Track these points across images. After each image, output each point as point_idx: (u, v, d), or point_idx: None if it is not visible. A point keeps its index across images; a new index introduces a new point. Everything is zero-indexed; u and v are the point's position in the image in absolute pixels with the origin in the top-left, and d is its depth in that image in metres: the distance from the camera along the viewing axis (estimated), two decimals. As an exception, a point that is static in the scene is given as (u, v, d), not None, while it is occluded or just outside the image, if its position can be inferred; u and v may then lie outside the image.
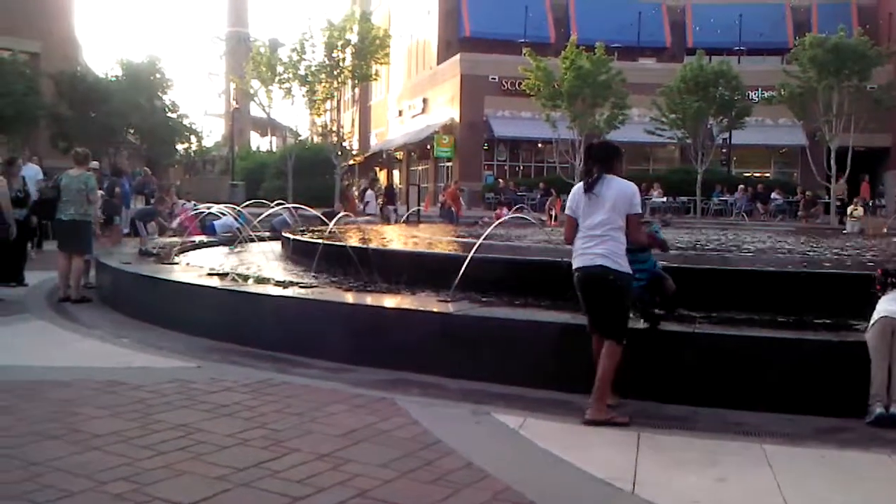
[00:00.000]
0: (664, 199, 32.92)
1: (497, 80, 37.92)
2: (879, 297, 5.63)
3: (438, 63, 42.26)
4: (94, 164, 14.06)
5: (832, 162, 28.74)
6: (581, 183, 5.44)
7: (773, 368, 5.50)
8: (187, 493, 3.56)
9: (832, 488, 3.96)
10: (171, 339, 7.73)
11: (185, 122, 39.26)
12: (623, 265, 5.17)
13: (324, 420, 4.81)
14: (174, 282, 8.88)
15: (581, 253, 5.26)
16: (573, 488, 3.87)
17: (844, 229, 20.20)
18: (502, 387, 5.94)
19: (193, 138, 43.07)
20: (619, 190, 5.22)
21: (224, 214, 14.97)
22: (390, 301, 7.58)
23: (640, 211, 5.41)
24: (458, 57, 38.82)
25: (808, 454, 4.49)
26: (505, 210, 22.57)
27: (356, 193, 27.71)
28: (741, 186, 32.61)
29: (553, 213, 22.25)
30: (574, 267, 5.31)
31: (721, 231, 17.27)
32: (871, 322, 5.38)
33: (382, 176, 46.54)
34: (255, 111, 52.73)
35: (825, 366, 5.46)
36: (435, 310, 6.90)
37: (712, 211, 31.89)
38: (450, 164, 39.69)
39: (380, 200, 26.64)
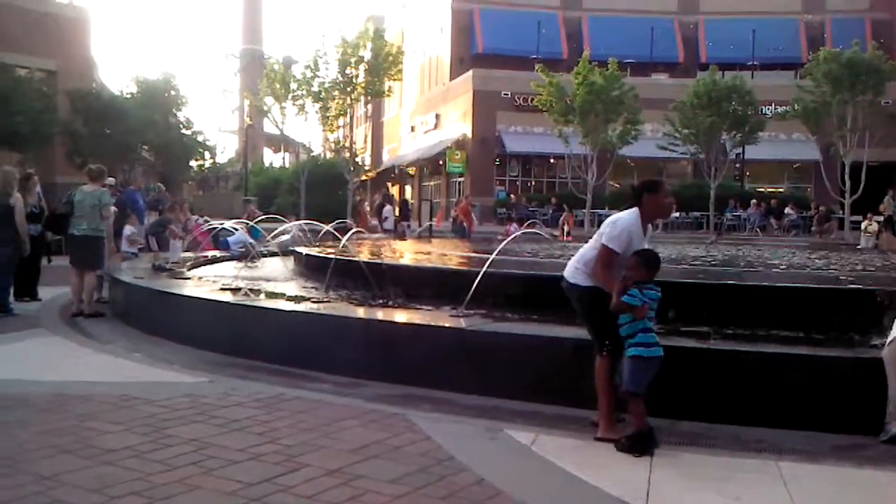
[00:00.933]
0: (677, 214, 32.79)
1: (509, 95, 38.04)
2: None
3: (451, 79, 42.45)
4: (111, 180, 14.15)
5: (846, 177, 28.60)
6: None
7: (788, 385, 5.45)
8: (198, 509, 3.55)
9: (849, 506, 3.91)
10: (183, 354, 7.75)
11: (200, 138, 39.56)
12: (578, 277, 5.18)
13: (335, 435, 4.80)
14: (186, 297, 8.91)
15: None
16: (586, 505, 3.83)
17: (858, 245, 20.06)
18: (515, 403, 5.91)
19: (207, 154, 43.36)
20: (608, 220, 5.23)
21: (237, 230, 15.03)
22: (402, 316, 7.57)
23: (613, 246, 5.01)
24: (470, 73, 38.98)
25: (824, 472, 4.43)
26: (514, 226, 22.54)
27: (368, 209, 27.74)
28: (754, 201, 32.48)
29: (566, 229, 22.21)
30: None
31: (735, 248, 17.17)
32: (889, 340, 5.32)
33: (395, 191, 46.68)
34: (268, 127, 53.00)
35: (841, 382, 5.40)
36: (447, 325, 6.88)
37: (725, 226, 31.75)
38: (462, 179, 39.76)
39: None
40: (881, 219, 25.20)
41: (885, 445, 5.02)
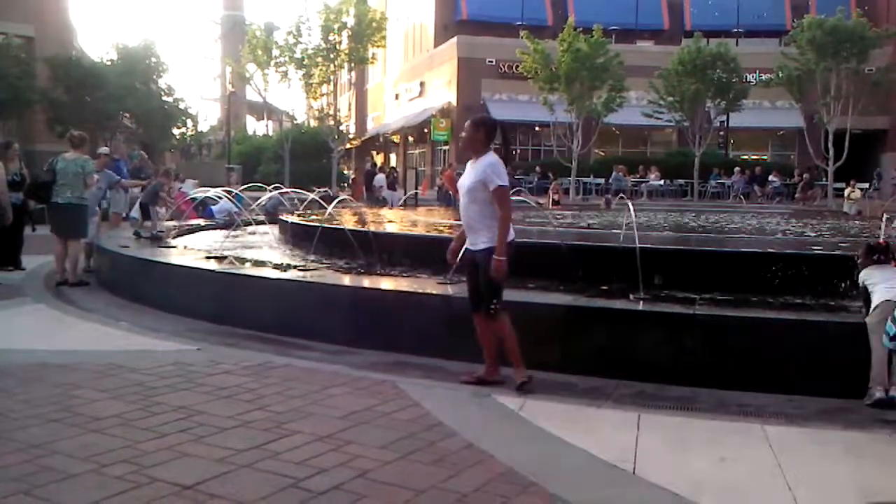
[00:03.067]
0: (661, 182, 32.88)
1: (494, 63, 37.76)
2: (859, 270, 5.69)
3: (435, 46, 42.06)
4: (105, 149, 13.93)
5: (830, 144, 28.71)
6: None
7: (773, 350, 5.50)
8: (188, 475, 3.55)
9: (833, 467, 3.96)
10: (169, 322, 7.73)
11: (181, 106, 39.12)
12: (482, 241, 5.43)
13: (325, 402, 4.80)
14: (172, 265, 8.86)
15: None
16: (574, 469, 3.87)
17: (842, 211, 20.20)
18: (503, 369, 5.94)
19: (189, 122, 42.91)
20: (481, 167, 5.42)
21: (221, 198, 14.92)
22: (389, 284, 7.56)
23: (505, 182, 5.37)
24: (455, 40, 38.63)
25: (809, 434, 4.48)
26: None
27: (353, 177, 27.67)
28: (738, 169, 32.59)
29: (556, 198, 22.16)
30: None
31: (719, 213, 17.24)
32: (873, 307, 5.37)
33: (379, 160, 46.45)
34: (250, 95, 52.51)
35: (825, 347, 5.46)
36: (434, 292, 6.89)
37: (710, 194, 31.87)
38: (447, 147, 39.57)
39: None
40: (865, 185, 25.39)
41: (870, 409, 5.09)
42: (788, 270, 6.98)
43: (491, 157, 5.39)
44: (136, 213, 11.92)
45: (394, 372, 5.78)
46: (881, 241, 6.39)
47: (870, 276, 5.64)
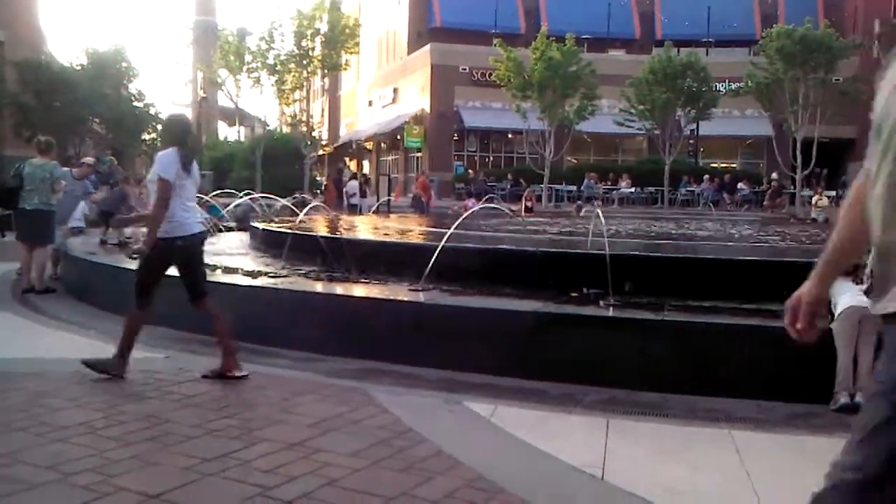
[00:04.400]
0: (632, 189, 33.16)
1: (468, 70, 37.87)
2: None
3: (409, 53, 42.11)
4: (89, 159, 13.69)
5: (797, 153, 29.11)
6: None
7: (741, 355, 5.56)
8: (154, 484, 3.51)
9: (800, 473, 4.00)
10: (138, 330, 7.62)
11: (152, 111, 38.73)
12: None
13: (294, 410, 4.77)
14: (141, 272, 8.75)
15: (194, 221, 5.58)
16: (543, 475, 3.87)
17: (810, 219, 20.47)
18: (474, 375, 5.95)
19: (160, 128, 42.48)
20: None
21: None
22: (361, 290, 7.54)
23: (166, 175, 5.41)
24: (428, 47, 38.71)
25: (776, 439, 4.54)
26: (472, 201, 22.57)
27: (325, 184, 27.57)
28: (707, 177, 32.95)
29: (529, 205, 22.22)
30: (189, 234, 5.50)
31: (688, 221, 17.41)
32: (838, 313, 5.45)
33: (352, 166, 46.35)
34: (222, 101, 52.16)
35: (791, 353, 5.51)
36: (406, 299, 6.88)
37: (680, 201, 32.17)
38: (420, 154, 39.61)
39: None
40: (832, 193, 25.77)
41: (835, 414, 5.16)
42: (756, 277, 7.07)
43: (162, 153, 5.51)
44: (79, 221, 11.66)
45: (364, 379, 5.76)
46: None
47: (834, 286, 5.70)
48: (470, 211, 13.24)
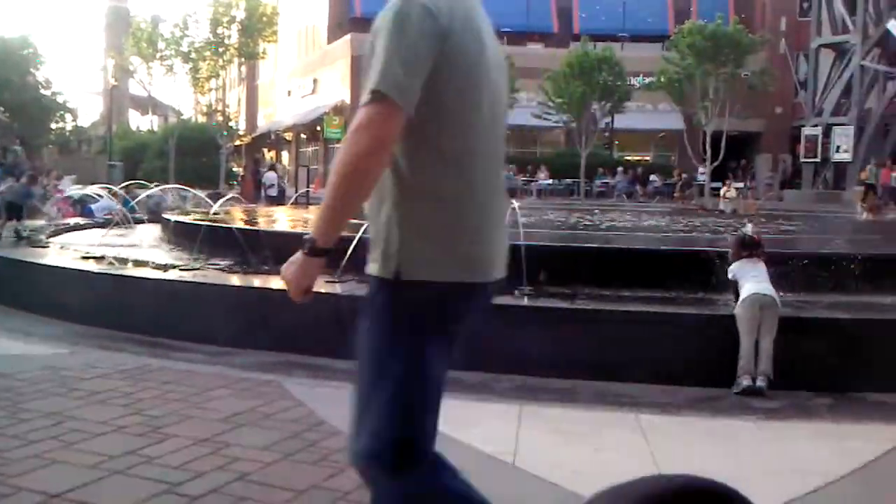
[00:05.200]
0: (550, 181, 33.67)
1: (388, 61, 37.67)
2: (730, 263, 6.01)
3: (329, 43, 41.63)
4: (17, 148, 13.13)
5: (707, 146, 30.06)
6: None
7: (648, 341, 5.73)
8: (57, 483, 3.40)
9: (702, 453, 4.17)
10: (44, 326, 7.37)
11: (60, 99, 37.37)
12: None
13: (205, 405, 4.69)
14: (46, 266, 8.46)
15: None
16: (455, 462, 3.91)
17: (717, 210, 21.17)
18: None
19: (69, 116, 41.03)
20: None
21: (101, 197, 14.34)
22: (275, 283, 7.45)
23: None
24: (348, 37, 38.33)
25: (680, 422, 4.71)
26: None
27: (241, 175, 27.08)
28: (621, 169, 33.73)
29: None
30: None
31: (603, 212, 17.80)
32: (741, 299, 5.67)
33: (271, 157, 45.66)
34: (134, 89, 50.60)
35: (696, 338, 5.73)
36: (322, 290, 6.83)
37: (596, 193, 32.83)
38: (340, 145, 39.26)
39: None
40: (739, 185, 26.71)
41: (738, 397, 5.38)
42: (665, 265, 7.29)
43: None
44: None
45: (278, 372, 5.71)
46: (754, 236, 6.74)
47: (739, 270, 5.95)
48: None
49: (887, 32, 29.52)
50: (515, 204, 9.02)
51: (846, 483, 3.82)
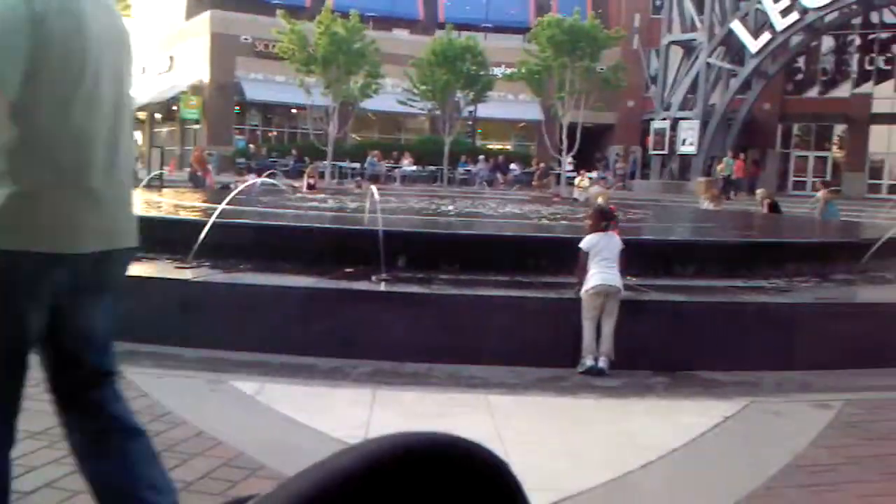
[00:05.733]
0: (414, 167, 33.88)
1: (250, 41, 36.70)
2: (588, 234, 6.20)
3: (187, 19, 40.07)
4: None
5: (564, 136, 31.10)
6: None
7: (498, 325, 5.90)
8: None
9: (545, 429, 4.35)
10: None
11: None
12: None
13: (40, 397, 4.44)
14: None
15: None
16: (306, 448, 3.91)
17: (572, 198, 21.96)
18: (244, 353, 5.85)
19: None
20: None
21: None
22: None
23: None
24: (208, 14, 37.04)
25: (526, 401, 4.89)
26: (252, 176, 22.00)
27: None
28: (482, 157, 34.40)
29: (311, 181, 21.97)
30: None
31: (462, 199, 18.08)
32: (588, 285, 5.89)
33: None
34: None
35: (542, 322, 5.95)
36: (172, 277, 6.62)
37: (458, 180, 33.32)
38: (198, 126, 37.95)
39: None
40: (593, 175, 27.80)
41: (581, 376, 5.63)
42: (519, 251, 7.52)
43: None
44: None
45: (124, 362, 5.47)
46: (610, 207, 6.99)
47: (593, 245, 6.05)
48: (245, 185, 12.92)
49: (730, 31, 31.43)
50: (374, 190, 9.06)
51: (678, 455, 4.09)
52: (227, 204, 8.44)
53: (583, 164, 28.82)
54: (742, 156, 31.21)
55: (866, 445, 4.41)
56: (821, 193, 16.80)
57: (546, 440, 4.19)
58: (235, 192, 10.15)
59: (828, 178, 33.99)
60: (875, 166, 34.67)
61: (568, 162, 31.71)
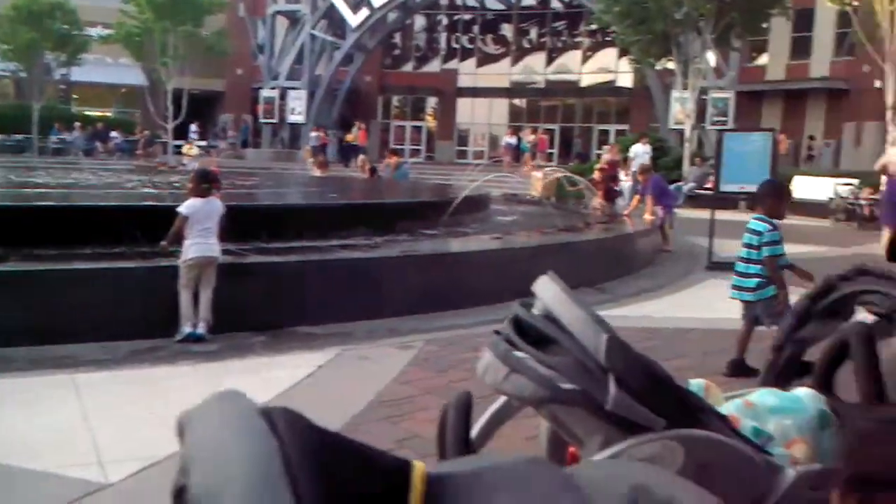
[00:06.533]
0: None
1: None
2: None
3: None
4: None
5: (169, 103, 29.86)
6: None
7: (85, 300, 5.58)
8: None
9: (134, 401, 4.26)
10: None
11: None
12: None
13: None
14: None
15: None
16: None
17: (180, 166, 21.23)
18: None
19: None
20: None
21: None
22: None
23: None
24: None
25: (118, 376, 4.74)
26: None
27: None
28: (78, 125, 31.65)
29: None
30: None
31: (54, 170, 16.56)
32: (183, 258, 5.77)
33: None
34: None
35: (134, 294, 5.75)
36: None
37: (51, 150, 30.29)
38: None
39: None
40: (203, 143, 27.11)
41: (179, 345, 5.57)
42: (113, 221, 7.15)
43: None
44: None
45: None
46: (213, 169, 6.85)
47: (194, 212, 5.89)
48: None
49: (332, 6, 32.46)
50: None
51: (269, 407, 4.28)
52: None
53: (205, 132, 27.88)
54: (363, 125, 32.58)
55: (439, 377, 5.03)
56: (391, 160, 18.41)
57: (136, 412, 4.12)
58: None
59: (422, 146, 37.22)
60: (462, 135, 38.62)
61: (193, 130, 30.56)
